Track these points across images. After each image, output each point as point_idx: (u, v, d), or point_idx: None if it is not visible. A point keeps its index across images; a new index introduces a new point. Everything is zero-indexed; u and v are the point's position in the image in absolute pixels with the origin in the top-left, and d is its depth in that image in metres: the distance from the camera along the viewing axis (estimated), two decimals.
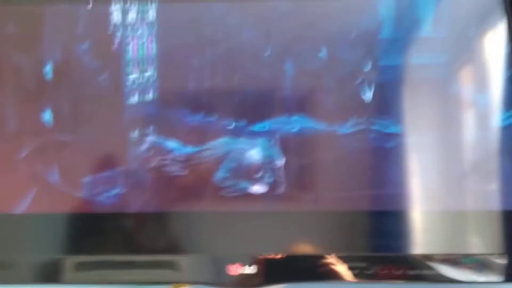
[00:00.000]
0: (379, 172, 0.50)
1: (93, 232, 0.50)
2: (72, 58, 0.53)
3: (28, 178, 0.50)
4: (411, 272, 0.48)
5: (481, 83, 0.51)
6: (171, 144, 0.51)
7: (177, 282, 0.52)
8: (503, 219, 0.48)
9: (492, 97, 0.51)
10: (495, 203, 0.49)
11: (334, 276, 0.48)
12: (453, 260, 0.48)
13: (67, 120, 0.52)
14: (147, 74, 0.53)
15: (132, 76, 0.53)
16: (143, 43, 0.54)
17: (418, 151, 0.50)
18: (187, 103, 0.51)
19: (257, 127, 0.51)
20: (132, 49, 0.54)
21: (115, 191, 0.50)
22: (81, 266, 0.49)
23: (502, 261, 0.48)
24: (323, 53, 0.52)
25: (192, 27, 0.53)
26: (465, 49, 0.52)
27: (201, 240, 0.49)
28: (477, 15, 0.52)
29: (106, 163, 0.51)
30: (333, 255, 0.48)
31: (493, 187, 0.49)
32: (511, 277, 0.48)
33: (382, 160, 0.50)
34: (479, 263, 0.48)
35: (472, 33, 0.52)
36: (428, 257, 0.48)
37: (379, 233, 0.49)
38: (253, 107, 0.51)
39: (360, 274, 0.48)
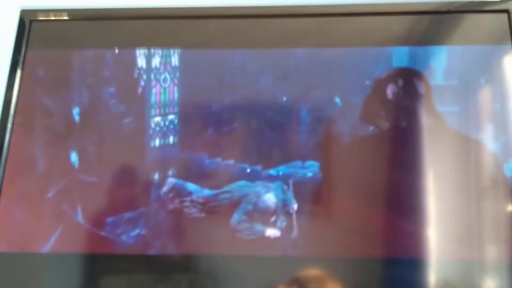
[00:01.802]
0: (393, 219, 0.51)
1: (115, 272, 0.51)
2: (98, 101, 0.56)
3: (55, 217, 0.53)
4: None
5: (496, 131, 0.52)
6: (190, 186, 0.53)
7: None
8: None
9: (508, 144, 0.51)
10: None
11: None
12: None
13: (92, 161, 0.54)
14: (169, 117, 0.55)
15: (155, 120, 0.55)
16: (165, 88, 0.57)
17: (434, 199, 0.51)
18: (206, 146, 0.54)
19: (272, 171, 0.52)
20: (155, 93, 0.57)
21: (136, 231, 0.52)
22: None
23: None
24: (337, 100, 0.54)
25: (213, 73, 0.56)
26: (476, 98, 0.53)
27: (218, 283, 0.51)
28: (487, 65, 0.54)
29: (129, 203, 0.53)
30: None
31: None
32: None
33: (397, 207, 0.51)
34: None
35: (482, 83, 0.53)
36: None
37: (391, 281, 0.49)
38: (269, 152, 0.53)
39: None
